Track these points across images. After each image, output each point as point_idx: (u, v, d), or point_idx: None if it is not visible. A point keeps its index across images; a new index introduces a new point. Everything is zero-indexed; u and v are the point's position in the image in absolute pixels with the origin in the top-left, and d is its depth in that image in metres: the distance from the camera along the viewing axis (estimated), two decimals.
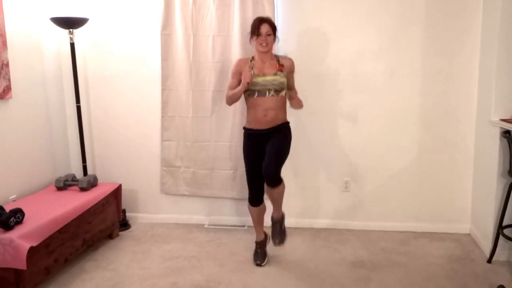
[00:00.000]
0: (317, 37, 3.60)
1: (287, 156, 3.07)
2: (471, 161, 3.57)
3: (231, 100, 3.11)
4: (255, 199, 3.16)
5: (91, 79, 3.92)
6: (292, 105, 3.14)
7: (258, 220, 3.24)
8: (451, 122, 3.57)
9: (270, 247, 3.29)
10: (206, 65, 3.67)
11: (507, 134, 2.95)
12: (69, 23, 3.53)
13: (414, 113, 3.60)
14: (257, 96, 2.98)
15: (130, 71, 3.85)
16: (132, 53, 3.82)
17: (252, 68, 3.00)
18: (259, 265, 3.11)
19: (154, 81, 3.81)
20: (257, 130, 3.03)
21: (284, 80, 2.99)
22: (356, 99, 3.63)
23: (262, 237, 3.26)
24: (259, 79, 2.95)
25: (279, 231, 3.18)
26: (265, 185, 3.03)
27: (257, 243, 3.25)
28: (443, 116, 3.57)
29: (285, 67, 3.03)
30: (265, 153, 2.98)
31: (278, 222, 3.17)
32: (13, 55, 3.25)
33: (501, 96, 3.09)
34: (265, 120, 2.99)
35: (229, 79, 3.61)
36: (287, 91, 3.07)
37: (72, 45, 3.63)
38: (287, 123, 3.12)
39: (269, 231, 3.28)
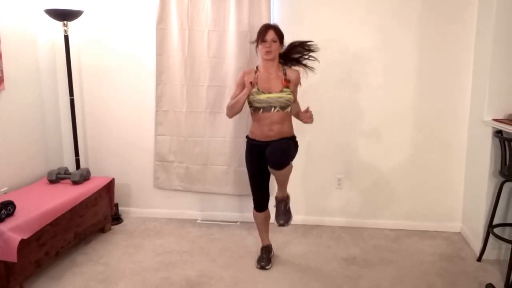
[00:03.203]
0: (313, 35, 3.57)
1: (291, 153, 2.86)
2: (463, 161, 3.59)
3: (232, 110, 2.86)
4: (260, 206, 3.06)
5: (85, 72, 3.89)
6: (302, 118, 2.90)
7: (263, 228, 3.15)
8: (444, 121, 3.59)
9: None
10: (201, 60, 3.66)
11: (500, 134, 2.97)
12: (64, 15, 3.50)
13: (408, 112, 3.61)
14: (262, 112, 2.85)
15: (124, 65, 3.83)
16: (127, 47, 3.80)
17: (256, 83, 2.83)
18: (263, 267, 3.01)
19: (148, 75, 3.79)
20: (260, 142, 2.89)
21: (290, 97, 2.84)
22: (350, 98, 3.64)
23: (268, 243, 3.18)
24: (264, 97, 2.82)
25: (284, 210, 3.04)
26: (269, 167, 2.82)
27: (263, 248, 3.15)
28: (436, 115, 3.59)
29: (291, 82, 2.88)
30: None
31: (283, 201, 3.04)
32: (6, 47, 3.22)
33: (494, 96, 3.11)
34: (270, 135, 2.87)
35: (223, 75, 3.64)
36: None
37: (66, 38, 3.60)
38: (294, 137, 2.98)
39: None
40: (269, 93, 2.84)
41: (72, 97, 3.73)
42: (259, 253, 3.15)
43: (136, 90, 3.85)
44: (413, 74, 3.56)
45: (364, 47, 3.56)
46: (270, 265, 3.06)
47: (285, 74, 2.91)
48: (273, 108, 2.84)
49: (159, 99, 3.78)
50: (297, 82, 2.96)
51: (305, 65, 3.03)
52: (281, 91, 2.85)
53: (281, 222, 3.03)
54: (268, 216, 3.15)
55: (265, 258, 3.08)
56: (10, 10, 3.30)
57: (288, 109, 2.89)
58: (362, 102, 3.63)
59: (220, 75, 3.65)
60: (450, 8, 3.43)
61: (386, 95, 3.61)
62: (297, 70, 2.98)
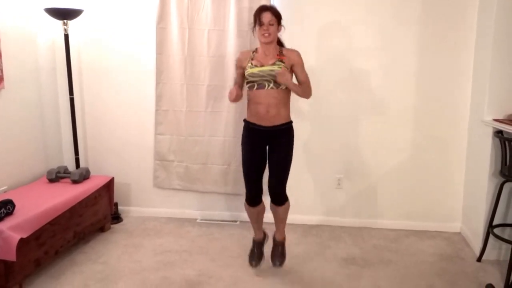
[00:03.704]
0: (313, 34, 3.60)
1: (291, 164, 2.91)
2: (463, 161, 3.59)
3: (231, 99, 2.84)
4: (253, 199, 2.94)
5: (85, 71, 3.89)
6: (298, 93, 2.83)
7: (256, 221, 3.04)
8: (444, 121, 3.58)
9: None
10: (201, 59, 3.66)
11: (500, 134, 2.97)
12: (64, 14, 3.49)
13: (408, 112, 3.61)
14: (256, 89, 2.77)
15: (124, 64, 3.82)
16: (126, 46, 3.80)
17: (251, 59, 2.81)
18: (253, 266, 3.00)
19: (148, 75, 3.79)
20: (259, 126, 2.82)
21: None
22: (349, 97, 3.64)
23: (261, 236, 3.08)
24: (256, 70, 2.75)
25: (280, 253, 3.03)
26: (270, 204, 2.94)
27: (254, 241, 3.08)
28: (436, 115, 3.58)
29: (287, 57, 2.77)
30: (265, 154, 2.86)
31: (281, 245, 3.03)
32: (6, 46, 3.22)
33: (494, 96, 3.11)
34: (267, 117, 2.79)
35: (223, 74, 3.64)
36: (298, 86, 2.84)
37: (66, 37, 3.60)
38: (290, 122, 2.90)
39: (268, 231, 3.18)
40: (262, 65, 2.76)
41: (72, 96, 3.72)
42: (251, 245, 3.10)
43: (136, 89, 3.85)
44: (413, 74, 3.55)
45: (364, 47, 3.56)
46: (262, 262, 3.03)
47: (281, 52, 2.82)
48: (267, 85, 2.74)
49: (159, 98, 3.78)
50: (298, 61, 2.81)
51: None
52: (274, 64, 2.75)
53: (277, 263, 3.01)
54: (262, 210, 3.01)
55: (257, 253, 3.05)
56: (10, 9, 3.30)
57: (284, 87, 2.77)
58: (361, 102, 3.63)
59: (220, 74, 3.64)
60: (450, 8, 3.43)
61: (386, 95, 3.60)
62: (295, 50, 2.84)
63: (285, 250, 3.07)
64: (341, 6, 3.53)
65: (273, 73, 2.73)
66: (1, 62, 3.16)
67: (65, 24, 3.56)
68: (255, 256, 3.05)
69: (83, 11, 3.58)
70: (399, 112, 3.61)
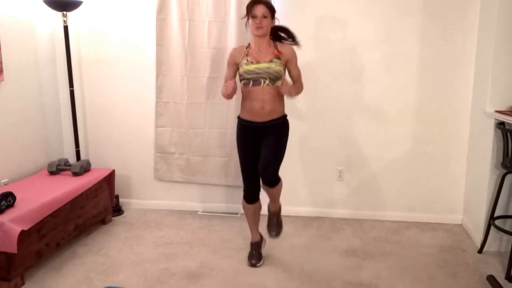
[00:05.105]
0: (314, 26, 3.57)
1: (284, 153, 2.86)
2: (465, 152, 3.58)
3: (225, 97, 2.81)
4: (251, 196, 2.94)
5: (84, 63, 3.87)
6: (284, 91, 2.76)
7: (253, 221, 3.03)
8: (446, 113, 3.57)
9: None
10: (201, 51, 3.64)
11: (502, 126, 2.95)
12: (63, 6, 3.47)
13: (409, 104, 3.59)
14: (251, 86, 2.73)
15: (124, 56, 3.81)
16: (126, 38, 3.78)
17: (246, 55, 2.77)
18: (254, 265, 2.94)
19: (148, 66, 3.77)
20: (252, 122, 2.81)
21: (279, 68, 2.72)
22: (351, 89, 3.62)
23: (258, 238, 3.06)
24: (252, 67, 2.71)
25: (276, 223, 3.04)
26: (262, 184, 2.85)
27: (252, 244, 3.05)
28: (438, 107, 3.57)
29: (283, 54, 2.75)
30: (261, 148, 2.81)
31: (275, 215, 3.03)
32: (5, 37, 3.20)
33: (496, 87, 3.09)
34: (262, 113, 2.76)
35: (224, 66, 3.58)
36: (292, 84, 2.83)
37: (66, 28, 3.58)
38: (285, 116, 2.88)
39: (264, 231, 3.16)
40: (258, 62, 2.72)
41: (72, 89, 3.71)
42: (249, 249, 3.06)
43: (136, 81, 3.83)
44: (415, 65, 3.53)
45: (365, 38, 3.53)
46: (261, 261, 2.98)
47: (276, 48, 2.77)
48: (263, 82, 2.71)
49: (159, 90, 3.76)
50: (292, 57, 2.79)
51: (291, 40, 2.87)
52: (271, 61, 2.71)
53: (273, 233, 3.03)
54: (259, 208, 3.03)
55: (255, 254, 3.00)
56: (9, 1, 3.27)
57: (279, 84, 2.74)
58: (363, 93, 3.61)
59: (221, 66, 3.61)
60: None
61: (387, 86, 3.58)
62: (289, 45, 2.81)
63: (281, 220, 3.08)
64: None
65: (270, 70, 2.70)
66: (1, 55, 3.14)
67: (64, 15, 3.54)
68: (255, 257, 3.01)
69: (83, 2, 3.56)
70: (400, 103, 3.60)
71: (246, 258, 3.02)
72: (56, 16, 3.64)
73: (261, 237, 3.12)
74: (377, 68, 3.57)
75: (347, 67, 3.59)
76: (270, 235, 3.06)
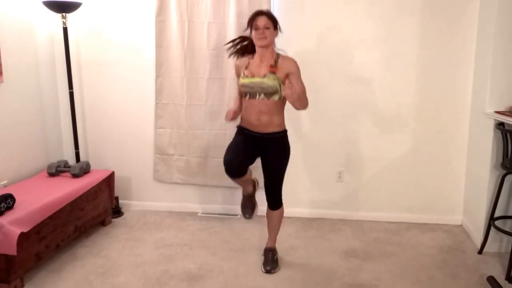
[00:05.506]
0: (314, 26, 3.57)
1: (285, 170, 2.88)
2: (465, 153, 3.58)
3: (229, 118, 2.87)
4: (236, 171, 2.74)
5: (84, 65, 3.87)
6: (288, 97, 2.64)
7: (243, 184, 2.96)
8: (446, 113, 3.57)
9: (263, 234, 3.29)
10: (201, 52, 3.64)
11: (501, 126, 2.95)
12: (62, 7, 3.47)
13: (409, 104, 3.59)
14: (248, 98, 2.76)
15: (124, 57, 3.80)
16: (126, 39, 3.78)
17: (246, 68, 2.78)
18: (248, 218, 3.01)
19: (148, 68, 3.77)
20: (250, 131, 2.80)
21: (274, 83, 2.66)
22: (350, 89, 3.61)
23: (250, 189, 3.01)
24: (247, 81, 2.72)
25: (271, 260, 2.94)
26: (267, 209, 2.95)
27: (244, 195, 3.03)
28: (438, 107, 3.56)
29: (280, 68, 2.68)
30: (254, 152, 2.80)
31: (271, 252, 2.98)
32: (5, 39, 3.20)
33: (496, 88, 3.09)
34: (259, 125, 2.76)
35: (223, 67, 3.63)
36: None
37: (65, 30, 3.58)
38: (284, 131, 2.83)
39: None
40: (252, 77, 2.73)
41: (71, 90, 3.71)
42: (241, 199, 3.06)
43: (136, 83, 3.83)
44: (415, 65, 3.53)
45: (365, 38, 3.53)
46: (255, 213, 3.05)
47: (276, 61, 2.73)
48: (257, 95, 2.72)
49: (158, 91, 3.76)
50: (293, 70, 2.70)
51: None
52: (265, 76, 2.68)
53: (268, 269, 2.89)
54: (250, 175, 2.88)
55: (249, 206, 3.02)
56: (8, 2, 3.27)
57: (275, 98, 2.71)
58: (362, 94, 3.61)
59: (220, 67, 3.63)
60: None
61: (387, 87, 3.58)
62: (292, 58, 2.75)
63: (276, 257, 2.98)
64: None
65: (263, 85, 2.68)
66: (0, 56, 3.14)
67: (63, 17, 3.54)
68: (248, 208, 3.01)
69: (82, 4, 3.56)
70: (400, 104, 3.60)
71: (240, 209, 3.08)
72: (55, 17, 3.64)
73: (254, 187, 3.05)
74: (376, 68, 3.56)
75: (347, 67, 3.59)
76: (265, 270, 2.90)
